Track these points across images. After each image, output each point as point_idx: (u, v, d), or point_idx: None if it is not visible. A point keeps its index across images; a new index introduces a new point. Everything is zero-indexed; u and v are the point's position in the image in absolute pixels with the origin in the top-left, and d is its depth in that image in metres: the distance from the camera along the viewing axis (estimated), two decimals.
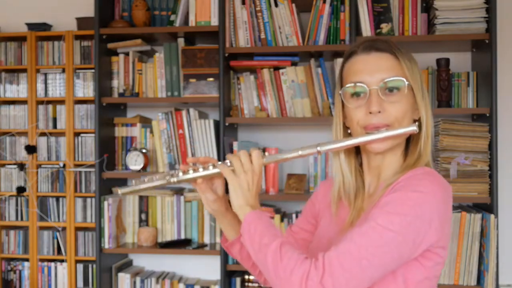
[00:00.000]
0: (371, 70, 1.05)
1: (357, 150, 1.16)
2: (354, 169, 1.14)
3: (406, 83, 1.04)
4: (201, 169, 1.10)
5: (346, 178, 1.13)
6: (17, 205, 2.72)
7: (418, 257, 0.98)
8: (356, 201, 1.11)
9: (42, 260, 2.70)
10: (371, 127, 1.04)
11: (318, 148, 1.04)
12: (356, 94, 1.06)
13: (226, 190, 1.13)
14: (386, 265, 0.93)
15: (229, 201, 1.10)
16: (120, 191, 1.10)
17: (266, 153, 1.09)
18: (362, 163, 1.15)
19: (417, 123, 1.05)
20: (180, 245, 2.53)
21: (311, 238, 1.24)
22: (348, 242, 0.93)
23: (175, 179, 1.08)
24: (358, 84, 1.05)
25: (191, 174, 1.09)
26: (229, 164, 1.08)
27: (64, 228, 2.66)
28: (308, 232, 1.26)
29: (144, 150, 2.53)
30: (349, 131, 1.11)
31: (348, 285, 0.90)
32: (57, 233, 2.67)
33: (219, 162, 1.10)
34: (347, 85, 1.07)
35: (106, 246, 2.51)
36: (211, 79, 2.49)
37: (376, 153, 1.07)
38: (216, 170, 1.09)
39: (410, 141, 1.10)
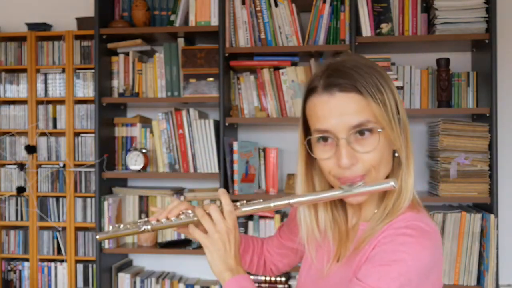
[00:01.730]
0: (336, 117, 0.93)
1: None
2: (329, 205, 1.05)
3: (379, 130, 0.93)
4: (173, 219, 1.05)
5: (320, 218, 1.04)
6: (17, 205, 2.72)
7: None
8: (339, 235, 1.04)
9: (42, 260, 2.70)
10: (345, 181, 0.95)
11: (291, 201, 0.98)
12: (323, 139, 0.95)
13: None
14: None
15: None
16: (97, 236, 1.10)
17: (238, 203, 1.02)
18: None
19: (395, 180, 0.93)
20: (180, 245, 2.53)
21: (300, 247, 1.15)
22: None
23: (148, 227, 1.05)
24: (325, 133, 0.94)
25: (163, 224, 1.05)
26: (193, 217, 1.02)
27: (64, 228, 2.66)
28: (295, 243, 1.19)
29: (144, 150, 2.53)
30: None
31: None
32: (57, 233, 2.67)
33: (190, 213, 1.03)
34: (314, 135, 0.96)
35: (106, 246, 2.51)
36: (211, 79, 2.49)
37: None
38: (188, 220, 1.03)
39: (392, 169, 1.00)
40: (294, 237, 1.19)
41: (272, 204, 0.99)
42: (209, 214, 1.00)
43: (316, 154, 0.98)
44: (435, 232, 0.93)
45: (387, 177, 0.98)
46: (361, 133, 0.93)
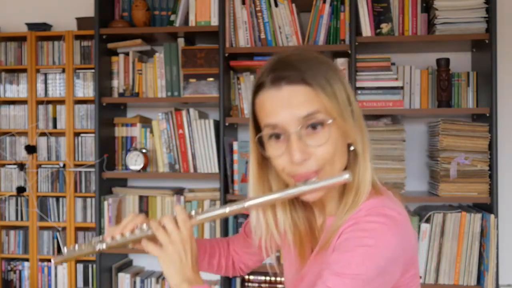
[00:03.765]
0: (285, 110, 0.90)
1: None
2: (289, 205, 1.02)
3: (329, 120, 0.90)
4: (127, 234, 1.01)
5: (279, 218, 1.01)
6: (17, 205, 2.72)
7: None
8: (300, 238, 1.02)
9: (42, 260, 2.70)
10: (299, 178, 0.91)
11: (245, 205, 0.96)
12: (275, 136, 0.92)
13: None
14: None
15: None
16: (53, 259, 1.09)
17: (193, 212, 0.98)
18: None
19: (349, 172, 0.91)
20: None
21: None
22: None
23: (103, 246, 1.01)
24: (275, 128, 0.91)
25: (118, 240, 1.01)
26: (148, 231, 0.98)
27: (64, 228, 2.66)
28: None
29: (144, 150, 2.53)
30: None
31: None
32: (57, 233, 2.67)
33: (144, 225, 0.99)
34: (264, 130, 0.93)
35: None
36: (211, 79, 2.49)
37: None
38: (136, 237, 0.99)
39: (348, 163, 0.96)
40: None
41: (227, 210, 0.96)
42: (163, 226, 0.95)
43: (268, 152, 0.94)
44: (401, 215, 0.91)
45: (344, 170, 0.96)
46: (313, 127, 0.90)
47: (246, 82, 2.53)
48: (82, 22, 2.67)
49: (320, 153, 0.90)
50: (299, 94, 0.90)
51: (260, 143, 0.96)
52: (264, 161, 0.99)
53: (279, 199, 0.95)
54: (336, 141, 0.91)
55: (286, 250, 1.08)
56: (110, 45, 2.59)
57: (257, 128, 0.97)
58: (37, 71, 2.69)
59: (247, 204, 0.95)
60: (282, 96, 0.90)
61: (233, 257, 1.26)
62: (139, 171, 2.52)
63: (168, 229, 0.94)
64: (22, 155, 2.70)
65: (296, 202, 1.03)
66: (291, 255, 1.05)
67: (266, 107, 0.92)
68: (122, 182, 2.75)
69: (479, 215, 2.25)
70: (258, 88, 0.95)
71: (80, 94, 2.66)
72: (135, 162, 2.52)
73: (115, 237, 1.01)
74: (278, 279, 2.50)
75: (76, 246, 1.04)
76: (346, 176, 0.90)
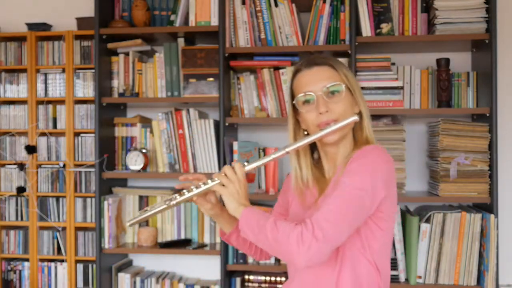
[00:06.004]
0: (315, 81, 1.32)
1: (312, 148, 1.43)
2: (310, 163, 1.41)
3: (343, 85, 1.32)
4: (194, 189, 1.33)
5: (303, 171, 1.40)
6: (17, 205, 2.72)
7: (374, 219, 1.27)
8: (318, 184, 1.37)
9: (42, 260, 2.70)
10: (323, 124, 1.31)
11: (286, 149, 1.31)
12: (306, 102, 1.33)
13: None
14: (357, 213, 1.22)
15: (223, 204, 1.37)
16: (128, 223, 1.38)
17: (245, 163, 1.33)
18: (320, 156, 1.42)
19: (357, 114, 1.33)
20: (180, 245, 2.53)
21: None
22: (327, 204, 1.21)
23: (174, 202, 1.32)
24: (307, 93, 1.32)
25: (187, 195, 1.33)
26: (216, 180, 1.32)
27: (64, 228, 2.66)
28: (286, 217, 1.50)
29: (144, 150, 2.53)
30: (305, 133, 1.38)
31: (335, 233, 1.17)
32: (57, 233, 2.67)
33: (209, 180, 1.33)
34: (299, 95, 1.33)
35: (106, 246, 2.51)
36: (211, 79, 2.49)
37: (331, 143, 1.33)
38: (207, 187, 1.33)
39: (355, 132, 1.38)
40: (284, 212, 1.51)
41: (272, 156, 1.31)
42: (224, 174, 1.31)
43: (302, 110, 1.34)
44: (390, 157, 1.31)
45: (354, 138, 1.39)
46: (332, 93, 1.31)
47: (246, 82, 2.53)
48: (82, 22, 2.67)
49: (336, 108, 1.31)
50: (324, 71, 1.34)
51: (294, 110, 1.38)
52: (298, 127, 1.41)
53: (310, 141, 1.31)
54: (347, 103, 1.33)
55: (295, 199, 1.43)
56: (110, 45, 2.59)
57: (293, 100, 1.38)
58: (37, 71, 2.69)
59: (287, 149, 1.31)
60: (313, 72, 1.35)
61: None
62: (139, 171, 2.52)
63: (228, 173, 1.31)
64: (22, 155, 2.70)
65: (313, 161, 1.43)
66: (306, 197, 1.40)
67: (302, 81, 1.35)
68: (122, 182, 2.75)
69: (479, 215, 2.25)
70: (295, 72, 1.38)
71: (80, 94, 2.66)
72: (135, 162, 2.52)
73: (183, 193, 1.34)
74: (278, 279, 2.50)
75: (149, 207, 1.36)
76: (355, 117, 1.29)
